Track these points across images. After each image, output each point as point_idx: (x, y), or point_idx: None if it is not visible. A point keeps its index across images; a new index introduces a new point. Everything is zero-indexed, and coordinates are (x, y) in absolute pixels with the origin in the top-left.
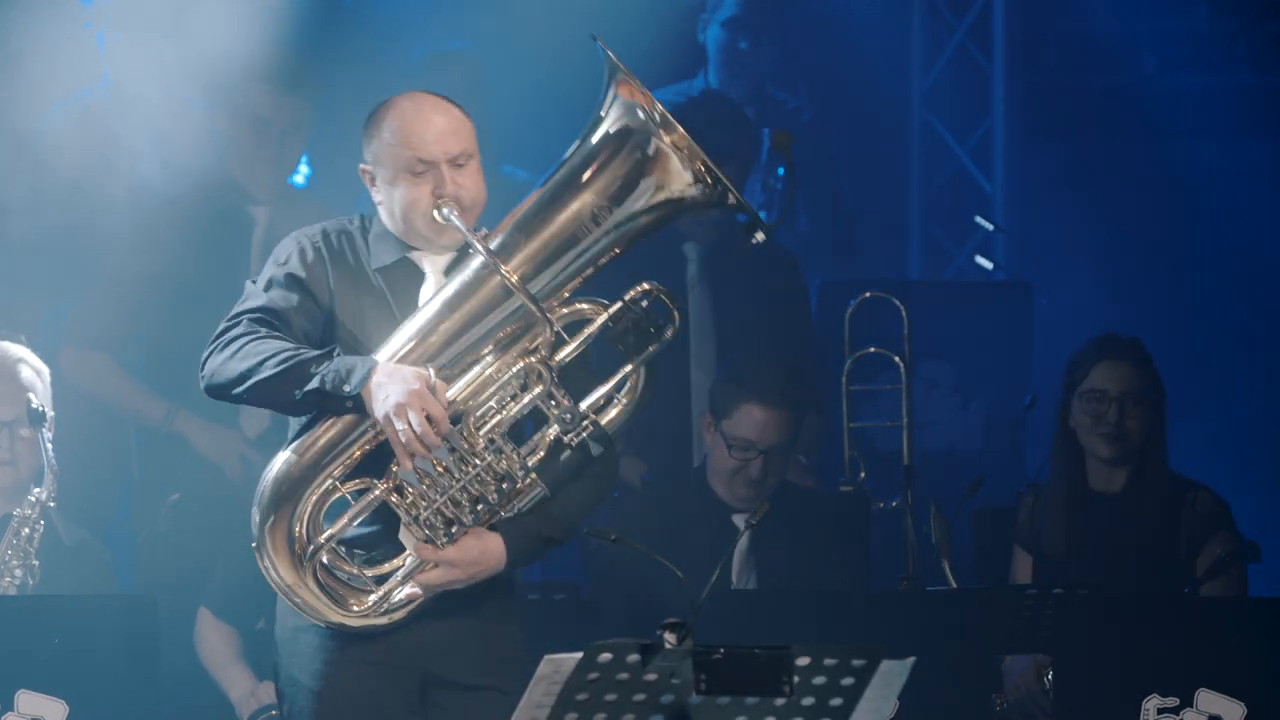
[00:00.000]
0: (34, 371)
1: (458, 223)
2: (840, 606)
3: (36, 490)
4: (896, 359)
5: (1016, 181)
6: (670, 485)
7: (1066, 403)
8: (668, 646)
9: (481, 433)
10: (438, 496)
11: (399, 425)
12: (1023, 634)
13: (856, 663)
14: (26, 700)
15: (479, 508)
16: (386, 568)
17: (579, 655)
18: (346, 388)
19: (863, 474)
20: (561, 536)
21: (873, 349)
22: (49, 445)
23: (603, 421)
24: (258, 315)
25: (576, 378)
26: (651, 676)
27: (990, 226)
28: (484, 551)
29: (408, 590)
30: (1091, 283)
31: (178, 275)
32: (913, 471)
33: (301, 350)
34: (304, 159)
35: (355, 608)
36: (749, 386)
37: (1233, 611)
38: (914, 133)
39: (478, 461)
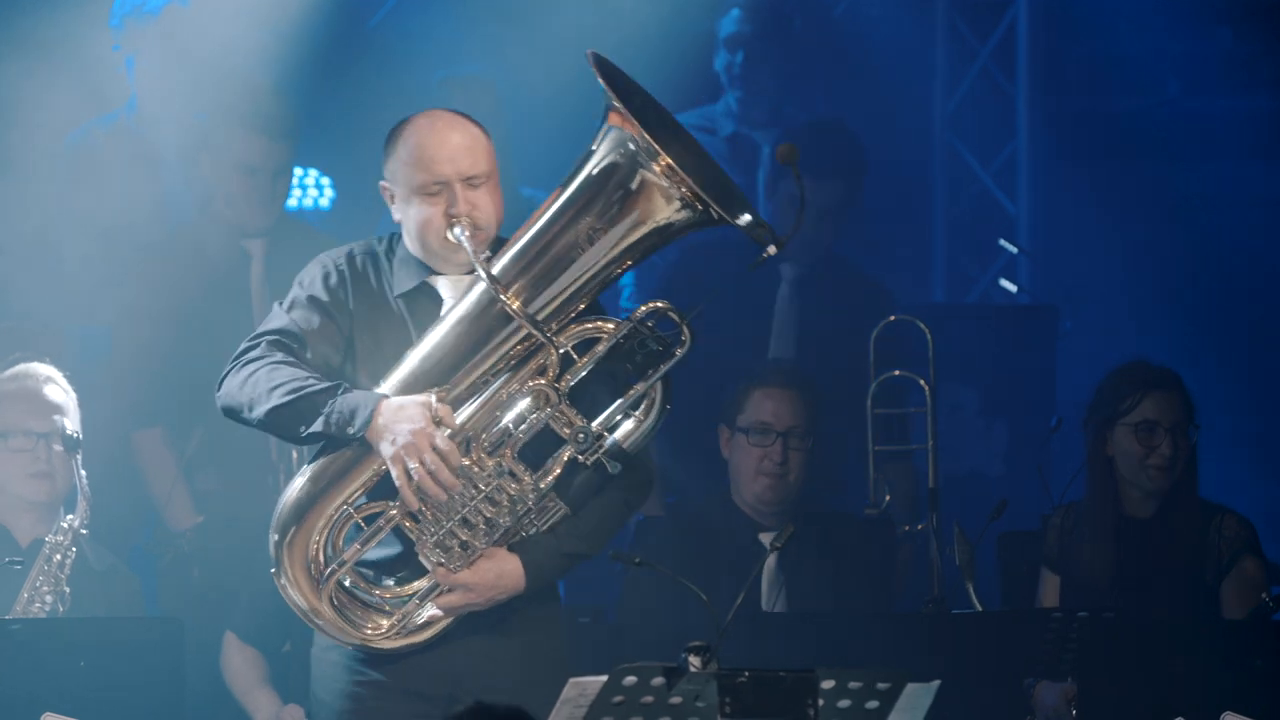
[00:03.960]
0: (63, 392)
1: (466, 244)
2: (865, 629)
3: (70, 517)
4: (922, 382)
5: (1040, 204)
6: (697, 507)
7: (1105, 430)
8: (692, 669)
9: (490, 457)
10: (447, 521)
11: (410, 465)
12: (1048, 657)
13: (881, 686)
14: None
15: (494, 530)
16: (409, 590)
17: (604, 678)
18: (350, 430)
19: (888, 497)
20: (587, 551)
21: (898, 372)
22: (82, 472)
23: (621, 439)
24: (276, 338)
25: (601, 396)
26: (676, 699)
27: (1014, 249)
28: (501, 574)
29: (428, 613)
30: (1116, 305)
31: (176, 311)
32: (937, 495)
33: (310, 382)
34: (330, 182)
35: (372, 630)
36: (755, 376)
37: (1258, 635)
38: (937, 156)
39: (484, 486)
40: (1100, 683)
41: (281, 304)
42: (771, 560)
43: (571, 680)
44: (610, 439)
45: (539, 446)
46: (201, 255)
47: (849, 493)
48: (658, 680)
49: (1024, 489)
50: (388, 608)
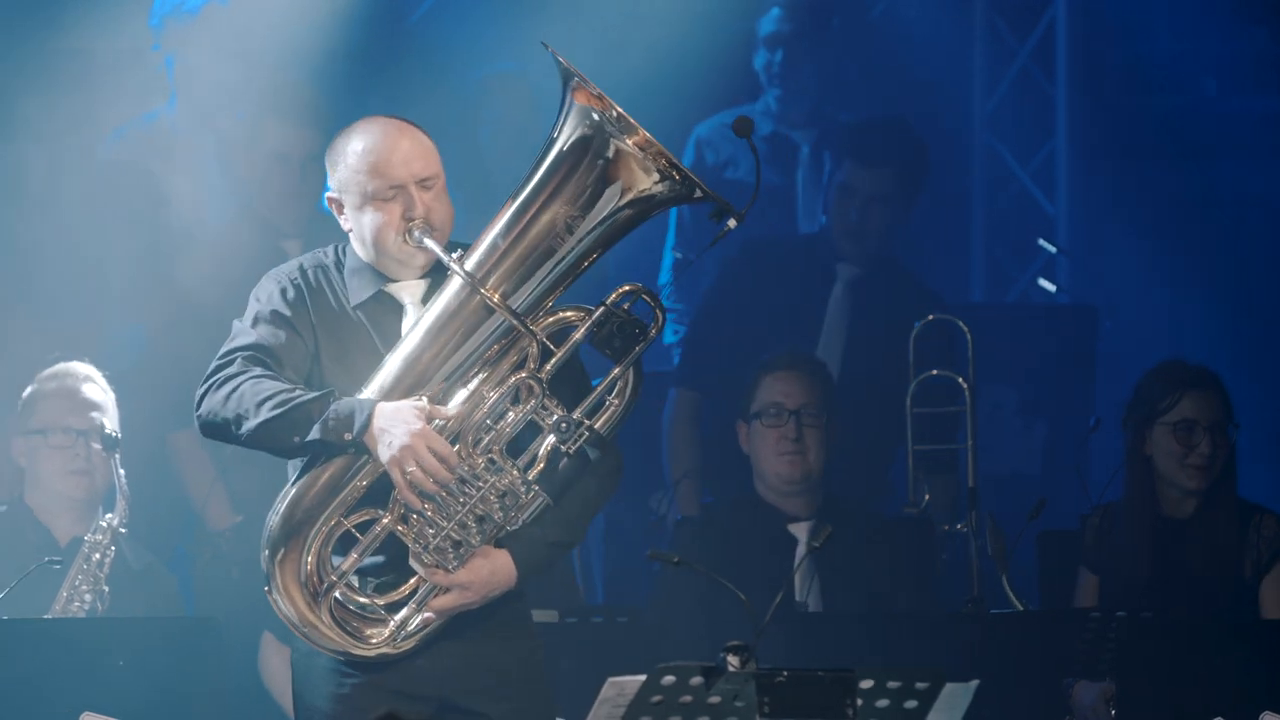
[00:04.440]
0: (102, 391)
1: (432, 245)
2: (904, 629)
3: (109, 516)
4: (961, 381)
5: (1079, 204)
6: (727, 507)
7: (1144, 430)
8: (731, 669)
9: (479, 453)
10: (444, 522)
11: (408, 468)
12: (1086, 657)
13: (920, 685)
14: None
15: (485, 526)
16: (397, 595)
17: (642, 678)
18: (347, 435)
19: (927, 496)
20: (570, 539)
21: (936, 372)
22: (120, 471)
23: (597, 425)
24: (250, 353)
25: (570, 382)
26: (715, 699)
27: (1053, 249)
28: (494, 570)
29: (422, 616)
30: (1154, 305)
31: (214, 312)
32: (976, 494)
33: (298, 392)
34: None
35: (373, 639)
36: (761, 364)
37: None
38: (976, 155)
39: (480, 484)
40: (1139, 682)
41: (241, 320)
42: (802, 553)
43: (610, 680)
44: (590, 425)
45: (516, 437)
46: (239, 255)
47: (896, 497)
48: (696, 680)
49: (1063, 489)
50: (383, 615)
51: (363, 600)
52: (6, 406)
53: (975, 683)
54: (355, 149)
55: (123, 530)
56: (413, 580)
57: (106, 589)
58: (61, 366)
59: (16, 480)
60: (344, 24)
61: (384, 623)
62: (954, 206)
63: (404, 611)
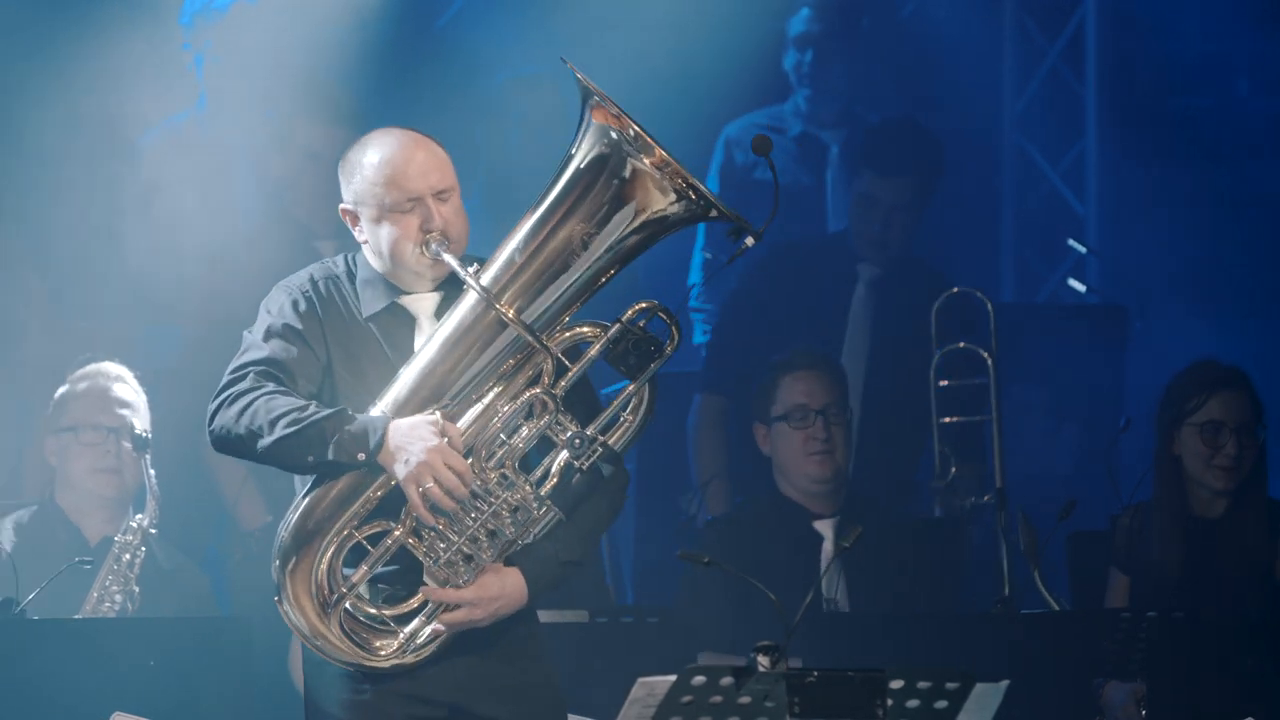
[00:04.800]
0: (133, 391)
1: (450, 259)
2: (934, 629)
3: (139, 516)
4: (984, 354)
5: (1109, 204)
6: (753, 506)
7: (1173, 430)
8: (761, 669)
9: (493, 468)
10: (456, 537)
11: (426, 485)
12: (1117, 657)
13: (950, 686)
14: None
15: (496, 541)
16: (407, 607)
17: (673, 678)
18: (362, 455)
19: (954, 469)
20: (581, 557)
21: (962, 344)
22: (151, 471)
23: (611, 441)
24: (263, 369)
25: (580, 398)
26: (745, 699)
27: (1083, 249)
28: (504, 588)
29: (431, 628)
30: (1185, 305)
31: (247, 312)
32: (1005, 494)
33: (310, 410)
34: None
35: (382, 651)
36: (779, 365)
37: None
38: (1006, 155)
39: (493, 499)
40: (1169, 683)
41: (252, 332)
42: (828, 549)
43: (640, 680)
44: (603, 442)
45: (530, 453)
46: (272, 256)
47: (923, 497)
48: (726, 680)
49: (1093, 489)
50: (393, 628)
51: (372, 611)
52: (39, 407)
53: (1005, 683)
54: (371, 161)
55: (153, 531)
56: (422, 592)
57: (137, 589)
58: (93, 366)
59: (48, 480)
60: (372, 27)
61: (393, 635)
62: (984, 206)
63: (413, 624)
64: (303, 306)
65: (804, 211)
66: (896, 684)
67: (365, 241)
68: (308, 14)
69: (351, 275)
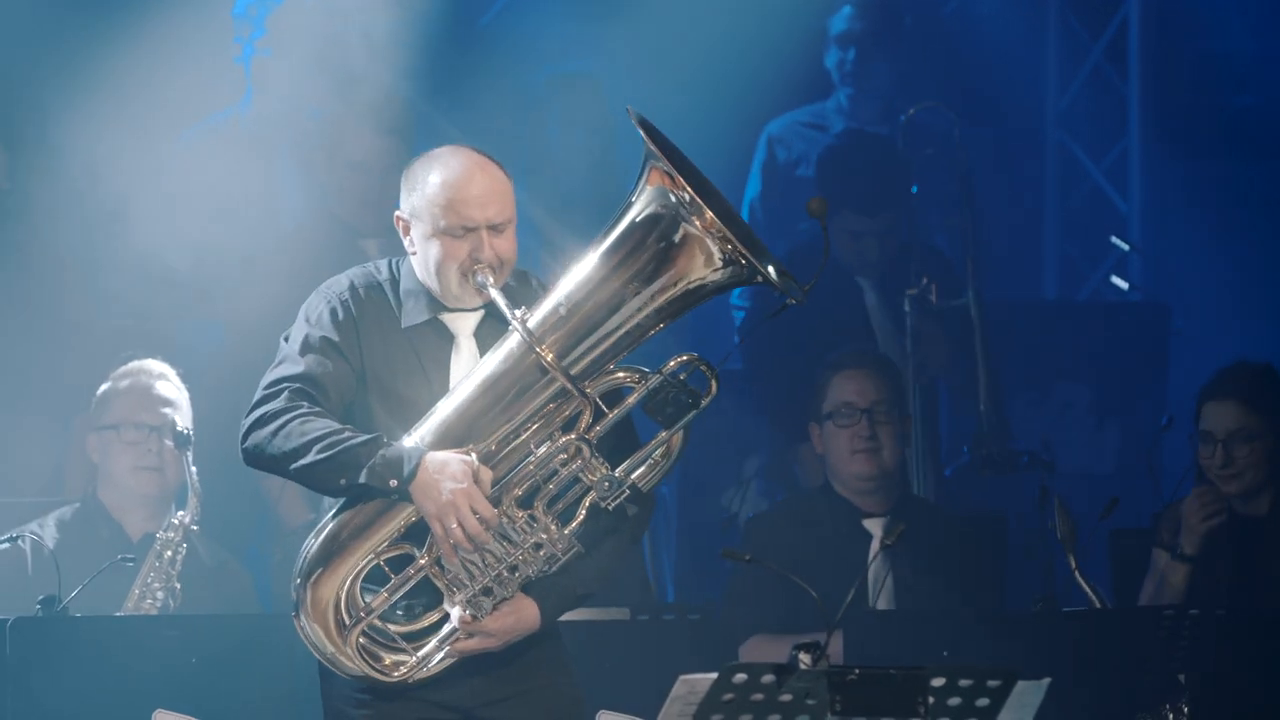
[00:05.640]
0: (175, 389)
1: (496, 295)
2: (976, 626)
3: (180, 513)
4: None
5: (1152, 201)
6: (802, 500)
7: (1195, 433)
8: (802, 667)
9: (522, 509)
10: (481, 577)
11: (450, 525)
12: (1159, 655)
13: (992, 683)
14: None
15: (517, 576)
16: (422, 623)
17: (714, 676)
18: (394, 483)
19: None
20: (596, 590)
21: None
22: (193, 469)
23: (638, 481)
24: (298, 386)
25: (620, 433)
26: (786, 697)
27: (1126, 247)
28: (520, 619)
29: (444, 653)
30: (1228, 303)
31: (289, 312)
32: (1048, 493)
33: (345, 434)
34: None
35: (394, 671)
36: (830, 364)
37: None
38: (1049, 153)
39: (518, 540)
40: (1213, 680)
41: (288, 340)
42: (875, 550)
43: (682, 678)
44: (632, 484)
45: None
46: (317, 254)
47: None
48: (768, 678)
49: (1135, 487)
50: (407, 649)
51: (389, 630)
52: (79, 404)
53: (1047, 680)
54: (435, 180)
55: (195, 528)
56: (436, 610)
57: (178, 586)
58: (135, 364)
59: (90, 477)
60: (416, 25)
61: (407, 654)
62: (1027, 204)
63: (428, 648)
64: (340, 315)
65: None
66: (938, 682)
67: (414, 253)
68: (353, 13)
69: (395, 283)
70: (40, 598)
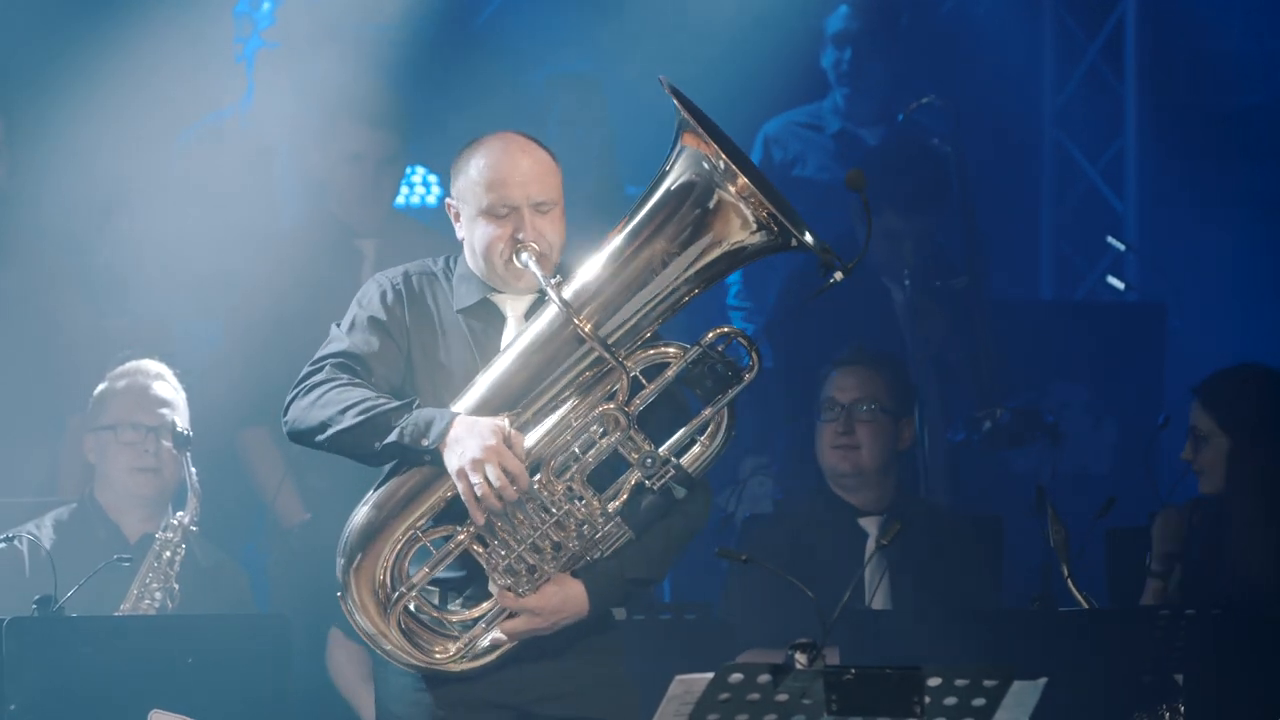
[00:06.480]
0: (173, 389)
1: (535, 269)
2: (972, 626)
3: (179, 514)
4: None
5: (1148, 201)
6: (800, 502)
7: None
8: (799, 667)
9: (560, 480)
10: (517, 545)
11: (474, 479)
12: (1156, 655)
13: (988, 683)
14: None
15: (561, 554)
16: (473, 613)
17: (710, 675)
18: (425, 441)
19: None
20: (650, 576)
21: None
22: (192, 469)
23: (686, 464)
24: (340, 360)
25: (667, 417)
26: (783, 697)
27: (1122, 246)
28: (566, 599)
29: (493, 636)
30: (1224, 303)
31: (287, 310)
32: (1045, 492)
33: (381, 400)
34: (437, 180)
35: (439, 654)
36: (832, 362)
37: None
38: (1045, 152)
39: (555, 510)
40: (1209, 680)
41: (339, 325)
42: (872, 547)
43: (678, 678)
44: (676, 463)
45: (604, 469)
46: (314, 254)
47: (963, 493)
48: (764, 678)
49: (1132, 487)
50: (454, 631)
51: (434, 614)
52: (78, 404)
53: (1043, 680)
54: (478, 162)
55: (194, 528)
56: (489, 600)
57: (177, 586)
58: (132, 364)
59: (87, 478)
60: (413, 23)
61: (453, 639)
62: (1023, 204)
63: (473, 630)
64: (390, 298)
65: (842, 209)
66: (934, 681)
67: (463, 239)
68: (351, 11)
69: (449, 273)
70: (36, 598)
